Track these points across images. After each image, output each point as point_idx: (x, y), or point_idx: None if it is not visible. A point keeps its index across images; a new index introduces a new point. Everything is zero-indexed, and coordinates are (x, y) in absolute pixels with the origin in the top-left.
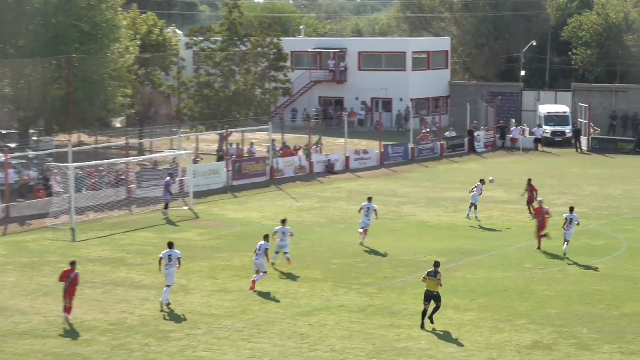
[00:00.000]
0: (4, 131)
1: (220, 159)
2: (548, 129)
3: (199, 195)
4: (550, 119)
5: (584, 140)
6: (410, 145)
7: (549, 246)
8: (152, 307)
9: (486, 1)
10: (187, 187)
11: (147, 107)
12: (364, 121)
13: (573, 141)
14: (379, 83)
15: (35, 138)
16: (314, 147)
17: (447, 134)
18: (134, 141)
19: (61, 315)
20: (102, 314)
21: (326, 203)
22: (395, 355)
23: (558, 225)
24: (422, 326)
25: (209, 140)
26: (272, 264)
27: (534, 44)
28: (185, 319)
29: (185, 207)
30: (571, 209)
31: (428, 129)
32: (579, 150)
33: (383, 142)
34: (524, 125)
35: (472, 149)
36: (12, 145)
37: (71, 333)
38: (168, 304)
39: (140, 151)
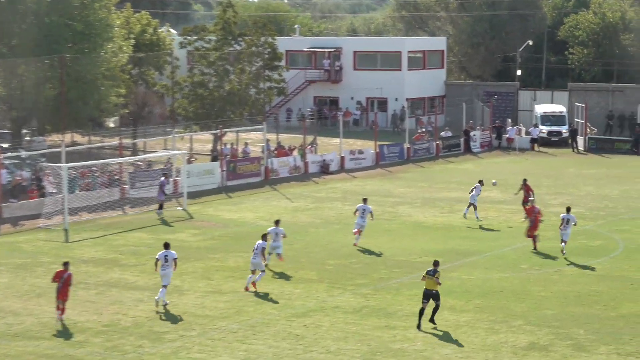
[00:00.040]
0: None
1: (214, 159)
2: (544, 128)
3: (193, 195)
4: (547, 118)
5: (580, 140)
6: (406, 145)
7: (545, 247)
8: (146, 308)
9: (482, 0)
10: (181, 188)
11: (140, 107)
12: (360, 121)
13: (569, 141)
14: (375, 83)
15: (28, 138)
16: (309, 147)
17: (443, 134)
18: (127, 141)
19: (54, 317)
20: (96, 315)
21: (321, 204)
22: (390, 356)
23: (555, 225)
24: (419, 327)
25: (203, 140)
26: (266, 265)
27: (531, 43)
28: (179, 320)
29: (179, 208)
30: (568, 210)
31: (424, 129)
32: (575, 150)
33: (378, 142)
34: (520, 125)
35: (468, 149)
36: (5, 145)
37: (64, 334)
38: (165, 305)
39: (134, 151)
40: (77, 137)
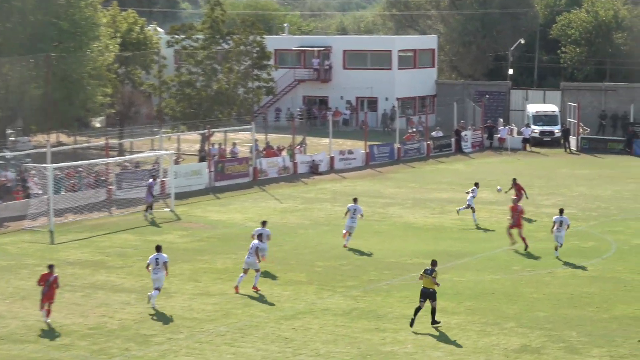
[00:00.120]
0: None
1: (202, 159)
2: (536, 128)
3: (180, 196)
4: (539, 118)
5: (573, 140)
6: (396, 145)
7: (537, 248)
8: (132, 310)
9: None
10: (169, 189)
11: (127, 106)
12: (349, 121)
13: (562, 141)
14: (365, 82)
15: (12, 138)
16: (298, 147)
17: (433, 133)
18: (114, 141)
19: (40, 320)
20: (82, 318)
21: (310, 204)
22: (381, 359)
23: (547, 226)
24: (412, 323)
25: (191, 140)
26: None
27: (522, 42)
28: (166, 323)
29: (166, 209)
30: (561, 211)
31: (414, 129)
32: (568, 150)
33: (368, 143)
34: (512, 125)
35: (459, 149)
36: None
37: (50, 337)
38: (153, 307)
39: (121, 152)
40: (63, 137)
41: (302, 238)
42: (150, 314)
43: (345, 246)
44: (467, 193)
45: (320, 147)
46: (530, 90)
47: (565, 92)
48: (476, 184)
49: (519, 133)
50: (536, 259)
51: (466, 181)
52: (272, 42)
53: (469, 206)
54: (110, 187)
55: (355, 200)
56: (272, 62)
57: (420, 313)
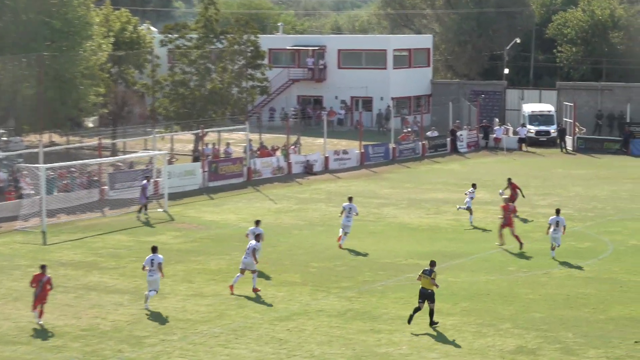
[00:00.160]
0: None
1: (196, 159)
2: (532, 128)
3: (174, 197)
4: (535, 118)
5: (569, 140)
6: (391, 145)
7: (533, 249)
8: (125, 312)
9: None
10: (162, 189)
11: (120, 106)
12: (344, 121)
13: (558, 141)
14: (359, 81)
15: (5, 138)
16: (293, 147)
17: (429, 133)
18: (107, 141)
19: (33, 321)
20: (74, 320)
21: (305, 205)
22: None
23: (543, 227)
24: (409, 320)
25: (185, 140)
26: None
27: (518, 41)
28: (160, 325)
29: (160, 209)
30: (557, 212)
31: (409, 129)
32: (564, 150)
33: (363, 142)
34: (507, 125)
35: (454, 149)
36: None
37: (42, 339)
38: (146, 308)
39: (114, 152)
40: (56, 137)
41: (297, 239)
42: (146, 314)
43: (340, 246)
44: (466, 194)
45: (315, 147)
46: (526, 90)
47: (561, 91)
48: (474, 185)
49: (515, 133)
50: (532, 259)
51: (462, 181)
52: (266, 42)
53: (468, 208)
54: (103, 187)
55: (350, 199)
56: (266, 61)
57: (417, 314)
